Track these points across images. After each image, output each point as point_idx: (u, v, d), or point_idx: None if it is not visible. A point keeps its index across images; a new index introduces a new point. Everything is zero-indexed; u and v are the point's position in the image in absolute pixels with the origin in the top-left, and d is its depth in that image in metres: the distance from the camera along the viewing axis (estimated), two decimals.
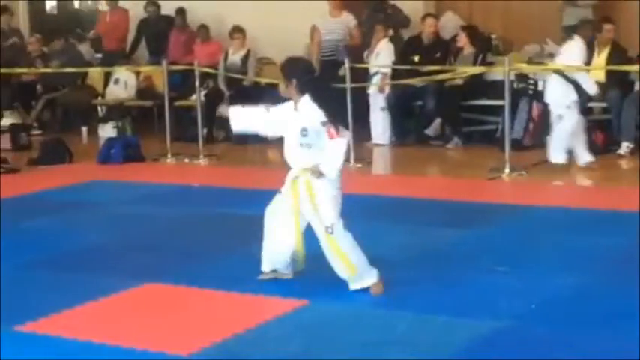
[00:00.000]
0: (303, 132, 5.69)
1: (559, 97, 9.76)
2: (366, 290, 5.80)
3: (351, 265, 5.77)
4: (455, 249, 6.81)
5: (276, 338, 5.13)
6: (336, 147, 5.66)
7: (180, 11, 14.22)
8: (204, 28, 13.88)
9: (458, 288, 5.82)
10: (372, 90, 11.89)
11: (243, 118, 6.07)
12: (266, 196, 6.27)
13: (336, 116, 5.72)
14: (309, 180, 5.71)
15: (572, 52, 9.82)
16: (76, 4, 17.91)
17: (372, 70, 11.94)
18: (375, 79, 11.89)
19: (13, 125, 13.08)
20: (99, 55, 15.24)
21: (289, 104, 5.84)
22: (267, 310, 5.56)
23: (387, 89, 11.89)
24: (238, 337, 5.10)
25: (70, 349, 5.02)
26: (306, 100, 5.72)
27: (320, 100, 5.69)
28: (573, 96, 9.64)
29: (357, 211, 7.98)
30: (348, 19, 12.31)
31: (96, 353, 4.97)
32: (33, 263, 6.79)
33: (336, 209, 5.75)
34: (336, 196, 5.75)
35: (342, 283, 5.90)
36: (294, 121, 5.76)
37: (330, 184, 5.72)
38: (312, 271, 6.12)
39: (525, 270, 6.18)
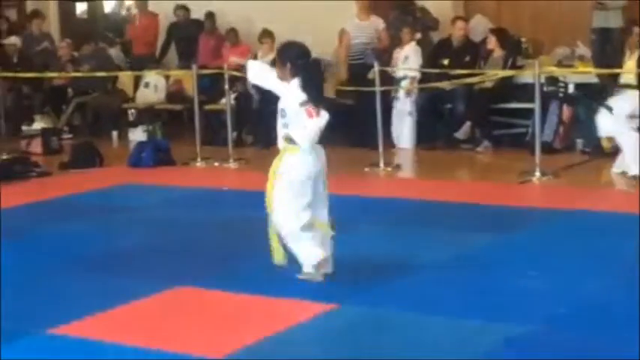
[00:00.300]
0: (282, 112, 6.05)
1: (613, 127, 9.72)
2: (396, 293, 5.83)
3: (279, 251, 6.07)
4: (485, 253, 6.78)
5: (306, 341, 5.15)
6: (313, 124, 5.91)
7: (210, 15, 14.27)
8: (233, 31, 13.91)
9: (489, 292, 5.82)
10: (400, 94, 11.89)
11: (259, 71, 6.35)
12: None
13: (321, 100, 6.01)
14: (281, 157, 6.06)
15: (630, 103, 9.72)
16: (107, 8, 17.99)
17: (400, 73, 11.94)
18: (403, 83, 11.89)
19: (43, 129, 13.15)
20: (129, 59, 15.31)
21: (283, 84, 6.06)
22: (298, 314, 5.58)
23: (414, 93, 11.90)
24: (269, 340, 5.12)
25: (102, 352, 5.05)
26: (294, 83, 5.94)
27: (310, 84, 5.93)
28: (624, 120, 9.60)
29: (387, 215, 8.11)
30: (377, 23, 12.30)
31: (127, 356, 5.00)
32: (65, 266, 6.83)
33: (292, 209, 5.97)
34: (296, 184, 6.00)
35: (373, 287, 5.92)
36: (280, 102, 6.06)
37: (298, 169, 5.97)
38: (343, 274, 6.14)
39: (556, 274, 6.15)
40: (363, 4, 12.22)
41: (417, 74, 11.90)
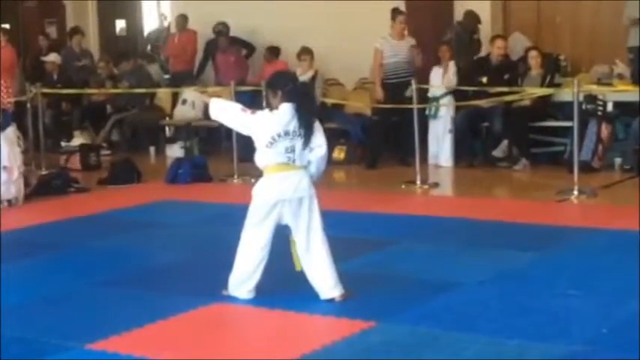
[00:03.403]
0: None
1: None
2: (435, 311, 5.80)
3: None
4: (525, 272, 6.71)
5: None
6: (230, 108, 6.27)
7: (220, 33, 14.29)
8: (270, 48, 13.95)
9: (529, 311, 5.75)
10: (443, 111, 11.88)
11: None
12: (332, 217, 6.29)
13: (314, 120, 6.05)
14: None
15: None
16: (146, 26, 18.09)
17: (438, 92, 11.92)
18: (446, 100, 11.88)
19: (82, 145, 13.25)
20: (167, 76, 15.40)
21: (266, 112, 6.12)
22: (335, 332, 5.54)
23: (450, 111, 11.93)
24: (306, 358, 5.08)
25: None
26: (283, 107, 5.98)
27: (303, 106, 6.00)
28: None
29: (425, 233, 8.08)
30: (410, 41, 12.29)
31: None
32: (103, 282, 6.85)
33: (250, 215, 6.16)
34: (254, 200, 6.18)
35: (411, 305, 5.89)
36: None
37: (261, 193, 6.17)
38: (381, 292, 6.12)
39: (596, 294, 6.08)
40: (401, 26, 12.16)
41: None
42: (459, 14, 13.13)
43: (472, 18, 12.64)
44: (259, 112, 6.13)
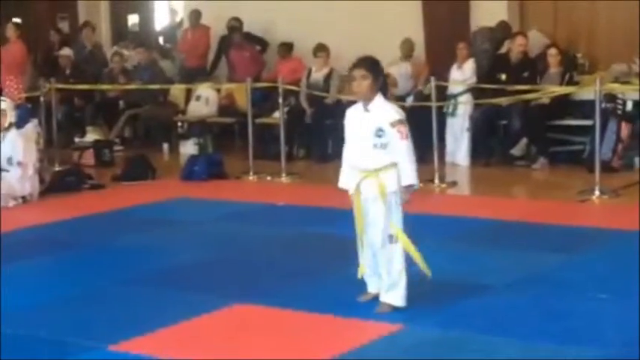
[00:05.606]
0: (379, 132, 5.67)
1: None
2: (463, 313, 5.70)
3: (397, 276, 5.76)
4: (553, 274, 6.60)
5: None
6: (408, 150, 5.70)
7: (233, 29, 14.19)
8: (284, 45, 13.82)
9: (560, 314, 5.66)
10: (461, 110, 11.77)
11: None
12: (351, 218, 6.15)
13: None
14: (383, 182, 5.70)
15: None
16: (157, 21, 18.01)
17: (457, 89, 11.81)
18: (464, 98, 11.76)
19: (96, 141, 13.14)
20: (176, 72, 15.28)
21: (358, 107, 5.82)
22: (362, 334, 5.44)
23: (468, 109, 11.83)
24: None
25: None
26: (380, 99, 5.71)
27: (388, 99, 5.82)
28: None
29: (447, 233, 7.95)
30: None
31: None
32: (123, 281, 6.77)
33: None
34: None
35: (439, 307, 5.79)
36: (366, 122, 5.73)
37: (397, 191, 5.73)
38: (408, 293, 6.00)
39: (628, 297, 5.96)
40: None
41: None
42: (475, 14, 13.01)
43: (504, 29, 12.49)
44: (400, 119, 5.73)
